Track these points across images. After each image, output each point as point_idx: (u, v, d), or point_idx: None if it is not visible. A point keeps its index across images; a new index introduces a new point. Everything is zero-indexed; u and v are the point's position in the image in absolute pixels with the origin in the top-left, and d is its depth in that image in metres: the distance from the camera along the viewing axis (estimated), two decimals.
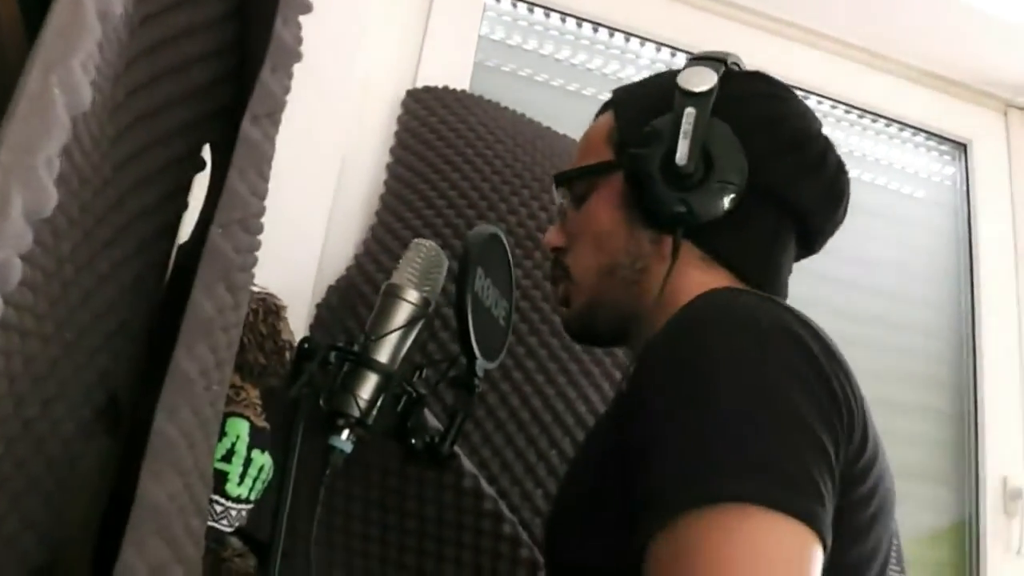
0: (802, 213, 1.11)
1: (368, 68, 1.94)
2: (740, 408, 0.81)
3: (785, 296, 1.14)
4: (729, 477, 0.77)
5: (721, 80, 1.08)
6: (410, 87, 1.99)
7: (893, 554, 0.97)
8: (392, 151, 1.91)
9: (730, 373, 0.84)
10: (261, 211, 0.84)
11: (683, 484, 0.78)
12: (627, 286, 1.12)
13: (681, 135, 1.04)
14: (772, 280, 1.12)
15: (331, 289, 1.73)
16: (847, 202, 1.14)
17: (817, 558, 0.76)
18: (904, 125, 2.54)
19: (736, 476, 0.77)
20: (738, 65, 1.16)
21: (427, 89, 1.97)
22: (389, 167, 1.89)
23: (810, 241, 1.16)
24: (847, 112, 2.50)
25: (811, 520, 0.76)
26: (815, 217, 1.13)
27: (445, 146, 1.86)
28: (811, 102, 2.39)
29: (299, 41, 0.87)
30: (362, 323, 1.57)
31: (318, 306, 1.71)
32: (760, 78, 1.17)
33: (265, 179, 0.84)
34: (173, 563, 0.67)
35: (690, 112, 1.05)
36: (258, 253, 0.86)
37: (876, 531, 0.91)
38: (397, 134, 1.93)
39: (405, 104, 1.96)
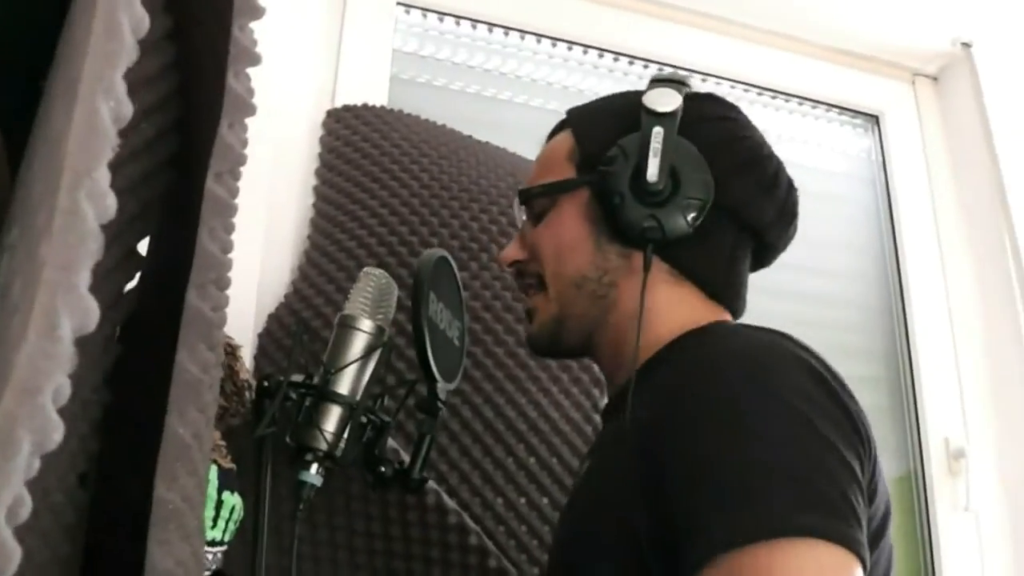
0: (759, 229, 1.15)
1: (286, 91, 1.93)
2: (779, 444, 0.85)
3: (745, 307, 1.19)
4: (781, 510, 0.80)
5: (682, 101, 1.11)
6: (329, 107, 2.00)
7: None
8: (317, 173, 1.92)
9: (761, 410, 0.88)
10: (230, 266, 0.84)
11: (731, 521, 0.81)
12: (595, 299, 1.14)
13: (651, 153, 1.07)
14: (735, 294, 1.16)
15: (271, 317, 1.73)
16: (797, 220, 1.19)
17: None
18: (816, 102, 2.61)
19: (787, 509, 0.80)
20: (692, 88, 1.19)
21: (347, 108, 1.98)
22: (316, 189, 1.89)
23: (763, 256, 1.21)
24: (759, 94, 2.55)
25: (853, 545, 0.80)
26: (770, 233, 1.17)
27: (370, 164, 1.87)
28: (723, 87, 2.46)
29: (251, 93, 0.87)
30: (306, 349, 1.58)
31: (260, 335, 1.71)
32: (715, 100, 1.21)
33: (231, 234, 0.85)
34: None
35: (658, 131, 1.08)
36: None
37: (883, 541, 0.96)
38: (321, 155, 1.93)
39: (326, 124, 1.97)
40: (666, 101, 1.11)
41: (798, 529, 0.79)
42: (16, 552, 0.37)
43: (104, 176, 0.44)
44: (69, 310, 0.40)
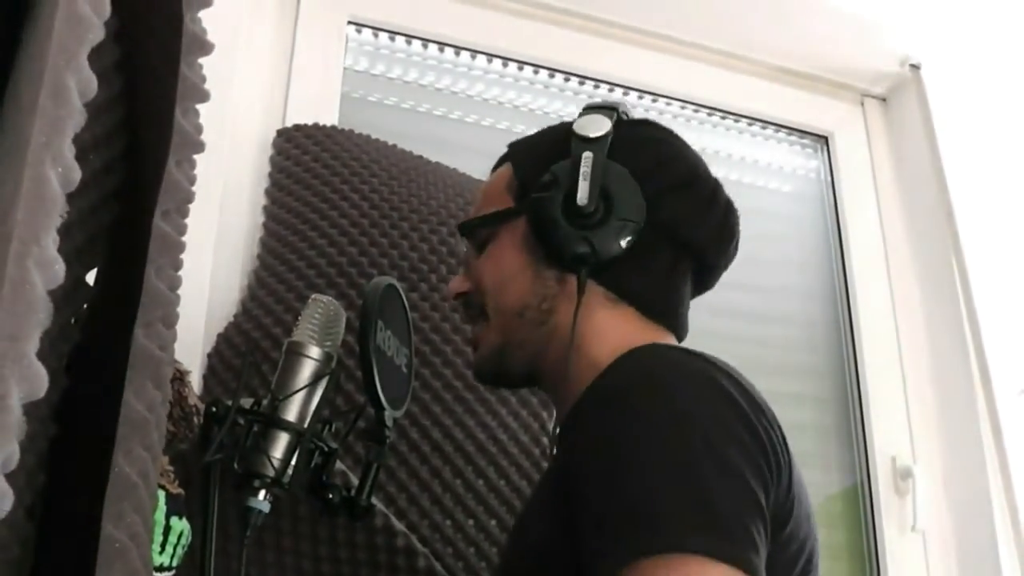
0: (697, 248, 1.17)
1: (236, 110, 1.93)
2: (676, 466, 0.86)
3: (686, 329, 1.20)
4: (671, 530, 0.82)
5: (614, 126, 1.13)
6: (279, 126, 2.00)
7: None
8: (267, 193, 1.92)
9: (664, 434, 0.89)
10: (178, 303, 0.85)
11: (626, 539, 0.83)
12: (535, 327, 1.16)
13: (581, 177, 1.09)
14: (673, 314, 1.18)
15: (220, 337, 1.73)
16: (738, 238, 1.21)
17: None
18: (765, 123, 2.63)
19: (677, 529, 0.82)
20: (627, 114, 1.21)
21: (297, 127, 1.97)
22: (266, 209, 1.89)
23: (704, 277, 1.22)
24: (709, 115, 2.58)
25: (747, 566, 0.81)
26: (709, 252, 1.19)
27: (320, 184, 1.87)
28: (673, 107, 2.49)
29: (199, 130, 0.88)
30: (254, 371, 1.58)
31: (209, 356, 1.71)
32: (649, 124, 1.24)
33: (178, 270, 0.86)
34: None
35: (587, 156, 1.10)
36: None
37: (802, 569, 0.97)
38: (271, 175, 1.93)
39: (276, 144, 1.96)
40: (595, 126, 1.13)
41: (689, 548, 0.80)
42: None
43: (52, 243, 0.45)
44: (18, 379, 0.41)
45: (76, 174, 0.47)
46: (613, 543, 0.84)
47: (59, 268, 0.45)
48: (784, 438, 0.96)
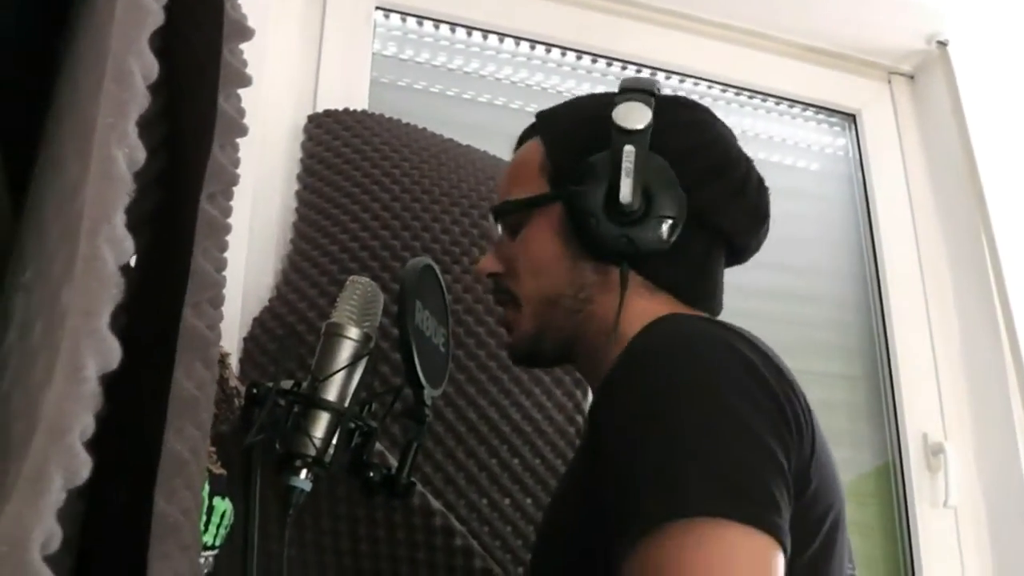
0: (730, 234, 1.17)
1: (266, 98, 1.94)
2: (698, 431, 0.87)
3: (721, 308, 1.21)
4: (694, 494, 0.83)
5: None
6: (310, 112, 2.01)
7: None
8: (299, 178, 1.93)
9: (685, 399, 0.90)
10: (224, 285, 0.86)
11: (650, 505, 0.84)
12: (571, 314, 1.16)
13: (623, 173, 1.08)
14: (710, 298, 1.19)
15: (256, 322, 1.74)
16: (769, 219, 1.21)
17: (780, 563, 0.83)
18: (792, 101, 2.62)
19: (700, 493, 0.83)
20: (659, 89, 1.19)
21: (327, 113, 1.99)
22: (299, 194, 1.91)
23: (737, 256, 1.23)
24: (736, 94, 2.57)
25: (771, 528, 0.82)
26: (742, 237, 1.19)
27: (352, 168, 1.88)
28: (700, 88, 2.48)
29: (242, 114, 0.89)
30: (290, 354, 1.60)
31: (245, 340, 1.73)
32: (683, 104, 1.23)
33: (224, 252, 0.87)
34: None
35: (629, 150, 1.09)
36: None
37: (828, 530, 0.97)
38: (302, 161, 1.94)
39: (307, 130, 1.98)
40: (636, 117, 1.11)
41: (711, 511, 0.81)
42: None
43: (121, 221, 0.46)
44: (93, 353, 0.43)
45: (141, 154, 0.49)
46: (636, 510, 0.85)
47: (128, 244, 0.46)
48: (806, 403, 0.96)
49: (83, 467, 0.42)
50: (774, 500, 0.84)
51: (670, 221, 1.09)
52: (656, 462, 0.86)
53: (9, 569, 0.38)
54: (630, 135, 1.10)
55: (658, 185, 1.10)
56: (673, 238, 1.10)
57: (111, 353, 0.44)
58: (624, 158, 1.09)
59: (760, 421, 0.89)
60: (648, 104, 1.13)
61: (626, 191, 1.08)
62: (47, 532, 0.40)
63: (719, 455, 0.85)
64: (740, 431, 0.87)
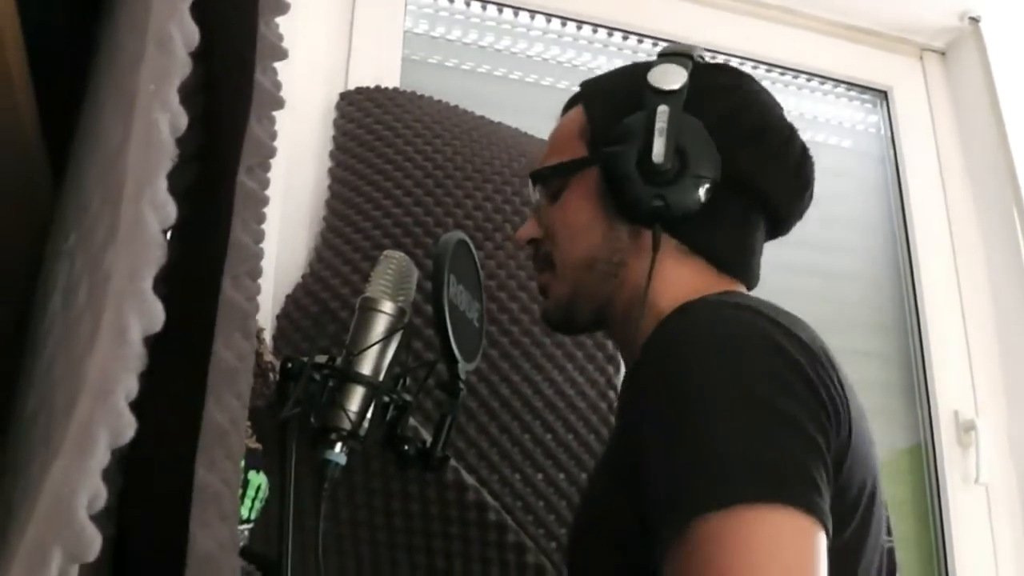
0: (770, 200, 1.16)
1: (299, 75, 1.95)
2: (734, 418, 0.87)
3: (758, 278, 1.20)
4: (737, 481, 0.83)
5: (689, 76, 1.12)
6: (342, 89, 2.01)
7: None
8: (332, 156, 1.94)
9: (719, 387, 0.89)
10: (262, 257, 0.87)
11: (692, 493, 0.84)
12: (605, 278, 1.16)
13: (656, 132, 1.08)
14: (745, 267, 1.18)
15: (288, 299, 1.75)
16: (812, 186, 1.20)
17: (823, 543, 0.83)
18: (824, 78, 2.61)
19: (743, 479, 0.83)
20: (702, 57, 1.20)
21: (359, 90, 1.99)
22: (331, 172, 1.91)
23: (779, 225, 1.22)
24: (768, 71, 2.56)
25: (813, 509, 0.82)
26: (782, 203, 1.18)
27: (384, 146, 1.88)
28: (731, 64, 2.46)
29: (279, 87, 0.90)
30: (323, 331, 1.61)
31: (278, 317, 1.74)
32: (724, 70, 1.22)
33: (261, 224, 0.87)
34: None
35: (663, 110, 1.09)
36: None
37: (865, 505, 0.97)
38: (335, 138, 1.95)
39: (339, 107, 1.98)
40: (671, 79, 1.11)
41: (752, 496, 0.81)
42: (97, 538, 0.40)
43: (163, 185, 0.47)
44: (137, 314, 0.43)
45: (183, 120, 0.49)
46: (679, 499, 0.85)
47: (171, 209, 0.47)
48: (842, 382, 0.95)
49: (128, 428, 0.42)
50: (815, 483, 0.84)
51: (704, 181, 1.09)
52: (690, 453, 0.87)
53: (56, 524, 0.39)
54: (664, 95, 1.10)
55: (693, 145, 1.09)
56: (707, 199, 1.09)
57: (155, 315, 0.44)
58: (658, 118, 1.09)
59: (797, 409, 0.88)
60: (685, 67, 1.13)
61: (659, 150, 1.08)
62: (93, 490, 0.41)
63: (758, 443, 0.85)
64: (774, 417, 0.87)
